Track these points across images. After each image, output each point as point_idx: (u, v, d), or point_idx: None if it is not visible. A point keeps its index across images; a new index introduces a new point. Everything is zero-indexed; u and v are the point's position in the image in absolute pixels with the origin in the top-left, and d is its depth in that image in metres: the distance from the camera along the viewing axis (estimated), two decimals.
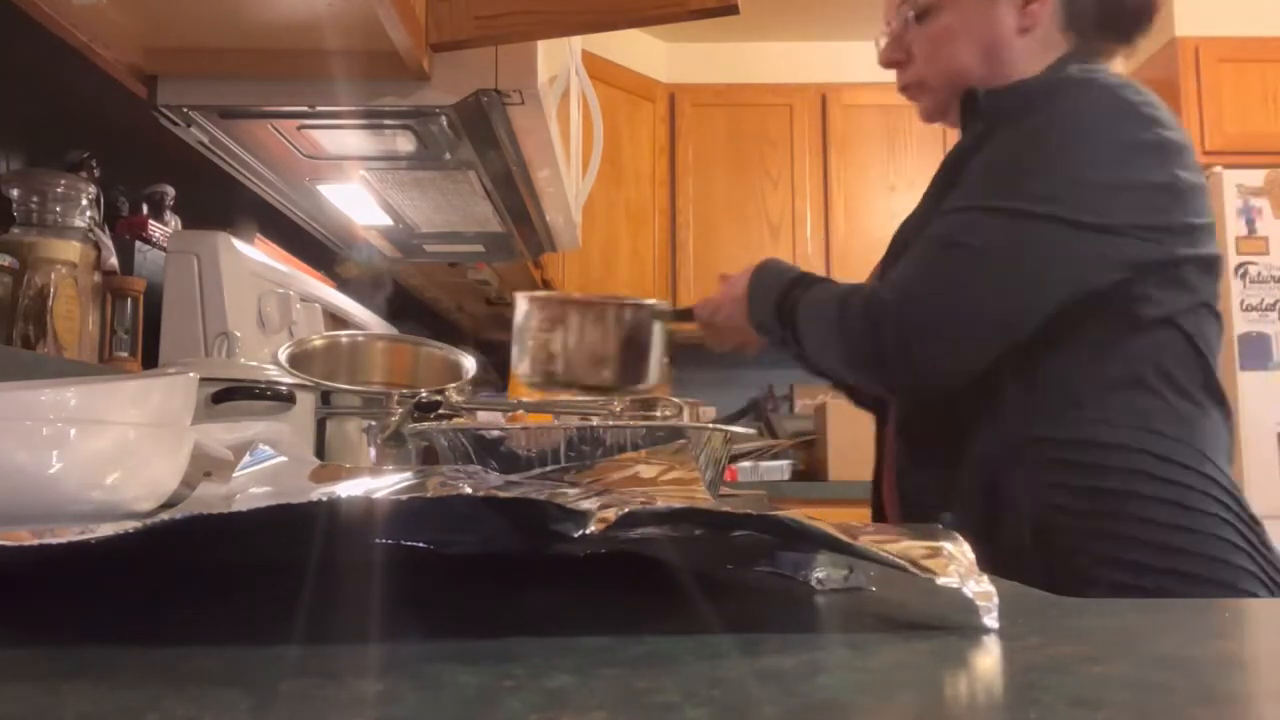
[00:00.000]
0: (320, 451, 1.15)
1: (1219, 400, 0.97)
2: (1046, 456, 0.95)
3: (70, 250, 1.19)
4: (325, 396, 1.15)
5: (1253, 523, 0.94)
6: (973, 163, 0.98)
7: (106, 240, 1.28)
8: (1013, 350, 0.95)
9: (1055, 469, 0.94)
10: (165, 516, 0.36)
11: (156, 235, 1.43)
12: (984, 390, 0.97)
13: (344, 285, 2.06)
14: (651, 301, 1.16)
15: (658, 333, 1.17)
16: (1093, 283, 0.93)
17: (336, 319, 1.81)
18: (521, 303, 1.10)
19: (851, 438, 2.90)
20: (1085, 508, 0.92)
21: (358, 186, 1.66)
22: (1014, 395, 0.96)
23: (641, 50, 3.57)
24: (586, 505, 0.38)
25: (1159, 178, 0.93)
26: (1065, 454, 0.94)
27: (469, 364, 1.29)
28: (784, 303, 1.07)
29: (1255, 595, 0.90)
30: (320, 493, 0.54)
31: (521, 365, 1.10)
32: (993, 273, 0.92)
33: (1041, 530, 0.93)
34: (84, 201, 1.21)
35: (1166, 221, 0.93)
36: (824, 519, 0.37)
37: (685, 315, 1.24)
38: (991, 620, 0.34)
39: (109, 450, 0.52)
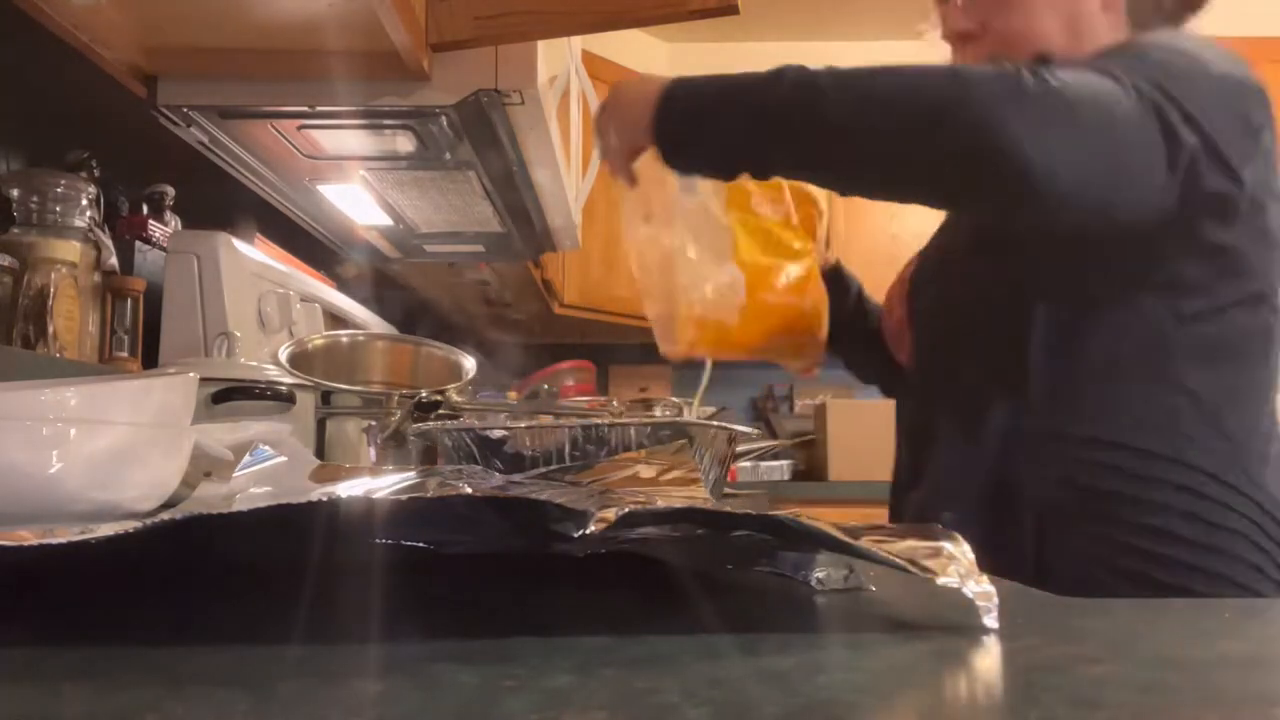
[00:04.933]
0: (320, 451, 1.15)
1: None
2: (1061, 451, 0.89)
3: (70, 250, 1.19)
4: (325, 396, 1.15)
5: None
6: None
7: (106, 240, 1.28)
8: (1047, 328, 0.89)
9: (1067, 465, 0.89)
10: (165, 516, 0.36)
11: (156, 235, 1.43)
12: (1010, 373, 0.92)
13: (344, 285, 2.06)
14: None
15: None
16: (1167, 199, 0.82)
17: (336, 319, 1.81)
18: None
19: (851, 438, 2.90)
20: (1093, 510, 0.88)
21: (358, 186, 1.66)
22: (1037, 385, 0.90)
23: (641, 50, 3.57)
24: (586, 505, 0.38)
25: (1257, 119, 0.86)
26: (1081, 452, 0.89)
27: (469, 364, 1.29)
28: (794, 73, 0.85)
29: None
30: (320, 493, 0.54)
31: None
32: (1127, 124, 0.79)
33: (1043, 528, 0.89)
34: (84, 201, 1.21)
35: (1252, 167, 0.85)
36: (824, 519, 0.37)
37: None
38: (991, 620, 0.34)
39: (109, 450, 0.52)
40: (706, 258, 1.09)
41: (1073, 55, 0.92)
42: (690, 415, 0.95)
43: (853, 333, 1.26)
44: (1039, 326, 0.91)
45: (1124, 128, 0.80)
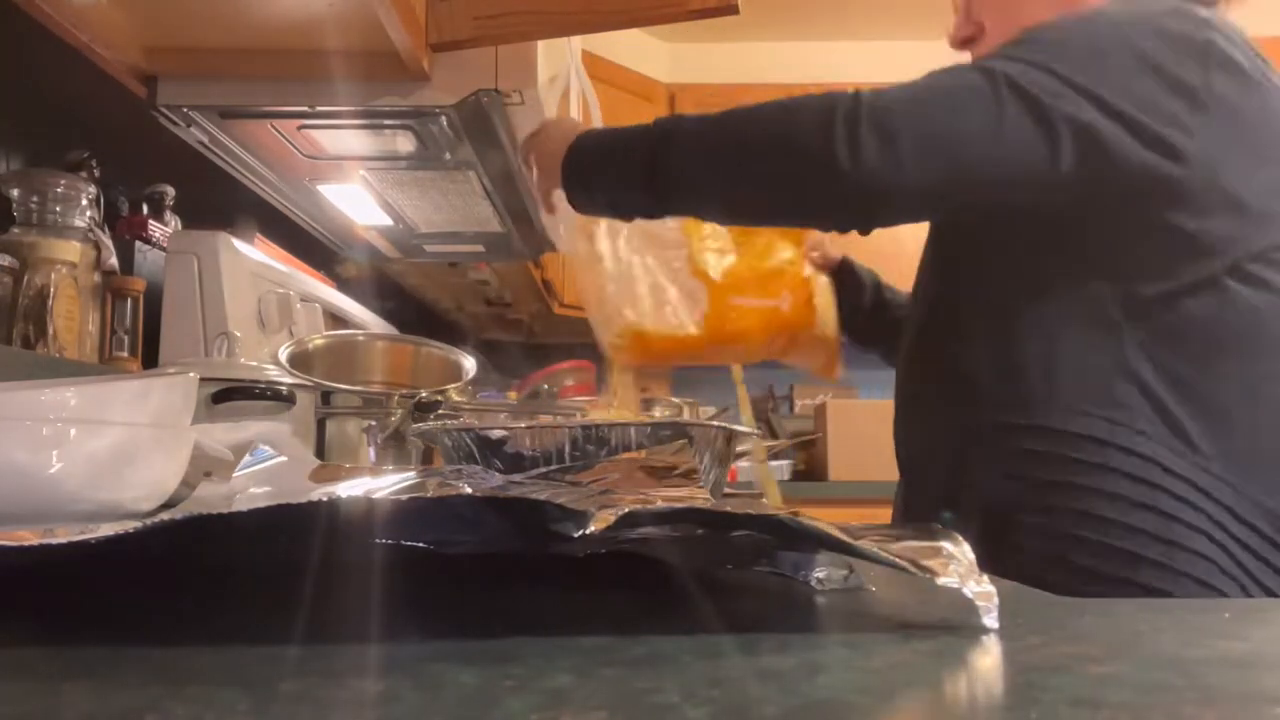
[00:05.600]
0: (320, 451, 1.15)
1: (1250, 396, 0.83)
2: (1010, 443, 0.88)
3: (70, 250, 1.19)
4: (325, 396, 1.15)
5: (1256, 542, 0.82)
6: None
7: (106, 240, 1.28)
8: (994, 319, 0.89)
9: (1016, 458, 0.87)
10: (165, 516, 0.36)
11: (156, 235, 1.43)
12: (961, 368, 0.92)
13: (344, 285, 2.06)
14: None
15: None
16: (1071, 181, 0.81)
17: (336, 319, 1.81)
18: None
19: (851, 438, 2.90)
20: (1041, 503, 0.85)
21: (358, 186, 1.66)
22: (988, 376, 0.90)
23: (641, 50, 3.57)
24: (586, 505, 0.38)
25: (1192, 79, 0.81)
26: (1029, 442, 0.86)
27: (469, 364, 1.29)
28: (660, 126, 0.93)
29: None
30: (320, 493, 0.54)
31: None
32: (974, 107, 0.81)
33: (991, 522, 0.86)
34: (84, 201, 1.21)
35: (1188, 142, 0.80)
36: (824, 519, 0.37)
37: None
38: (991, 620, 0.34)
39: (109, 450, 0.52)
40: (661, 272, 1.11)
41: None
42: (741, 422, 0.95)
43: (879, 325, 1.26)
44: (987, 318, 0.91)
45: (966, 119, 0.81)
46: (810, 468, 3.23)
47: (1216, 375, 0.84)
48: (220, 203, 1.65)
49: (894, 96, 0.83)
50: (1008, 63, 0.82)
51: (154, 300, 1.37)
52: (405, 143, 1.43)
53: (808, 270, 1.18)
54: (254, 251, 1.52)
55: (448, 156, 1.49)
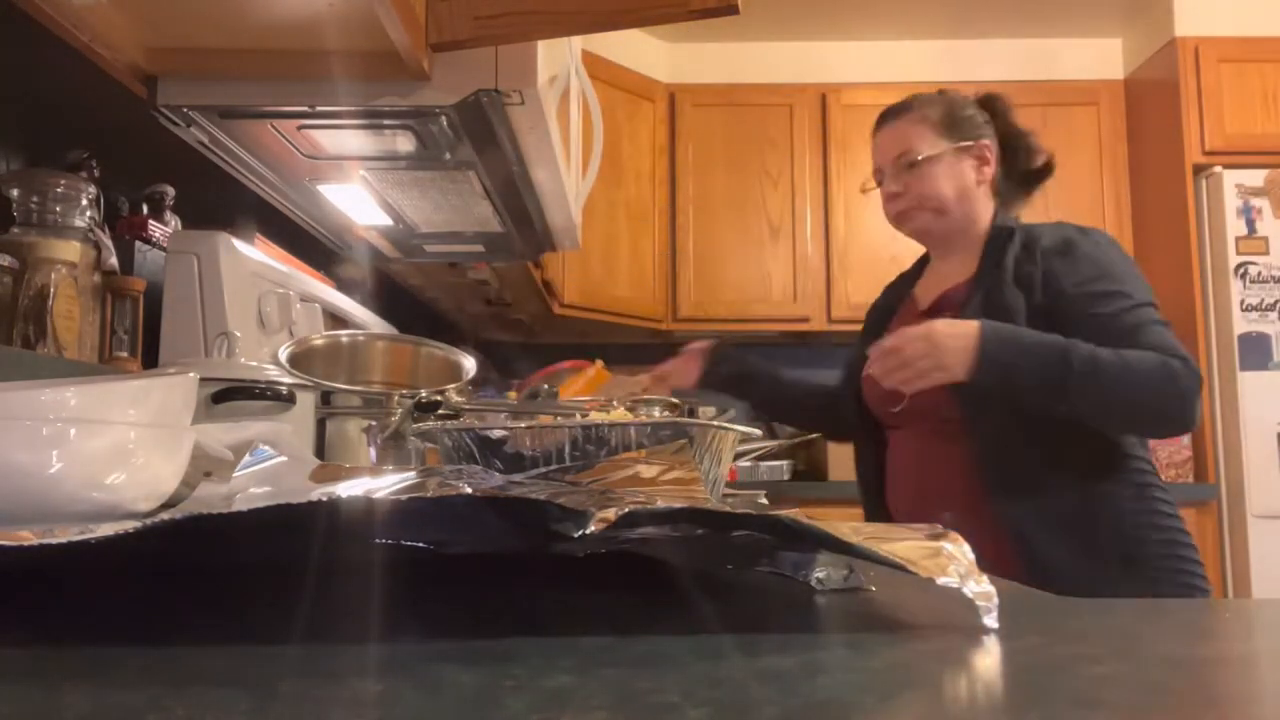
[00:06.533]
0: (320, 451, 1.15)
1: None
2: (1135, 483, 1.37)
3: (70, 250, 1.19)
4: (325, 396, 1.15)
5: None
6: (1049, 276, 1.37)
7: (106, 240, 1.28)
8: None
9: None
10: (165, 516, 0.36)
11: (156, 235, 1.43)
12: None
13: (344, 285, 2.06)
14: None
15: None
16: None
17: (336, 319, 1.81)
18: None
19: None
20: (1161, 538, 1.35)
21: (358, 186, 1.66)
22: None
23: (641, 50, 3.57)
24: (586, 505, 0.38)
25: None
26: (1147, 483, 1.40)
27: (469, 364, 1.29)
28: (1072, 354, 1.27)
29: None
30: (320, 493, 0.54)
31: None
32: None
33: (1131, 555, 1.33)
34: (84, 201, 1.21)
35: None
36: (824, 519, 0.37)
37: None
38: (991, 620, 0.34)
39: (109, 450, 0.52)
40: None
41: (964, 215, 1.49)
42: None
43: (795, 409, 1.80)
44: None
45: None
46: (810, 468, 3.23)
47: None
48: (220, 203, 1.65)
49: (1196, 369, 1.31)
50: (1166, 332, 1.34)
51: (154, 300, 1.37)
52: (405, 143, 1.43)
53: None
54: (254, 251, 1.52)
55: (448, 156, 1.49)
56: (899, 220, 1.55)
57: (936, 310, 1.49)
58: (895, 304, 1.65)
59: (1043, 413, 1.31)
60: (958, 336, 1.27)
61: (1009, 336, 1.29)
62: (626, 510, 0.37)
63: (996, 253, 1.45)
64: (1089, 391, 1.25)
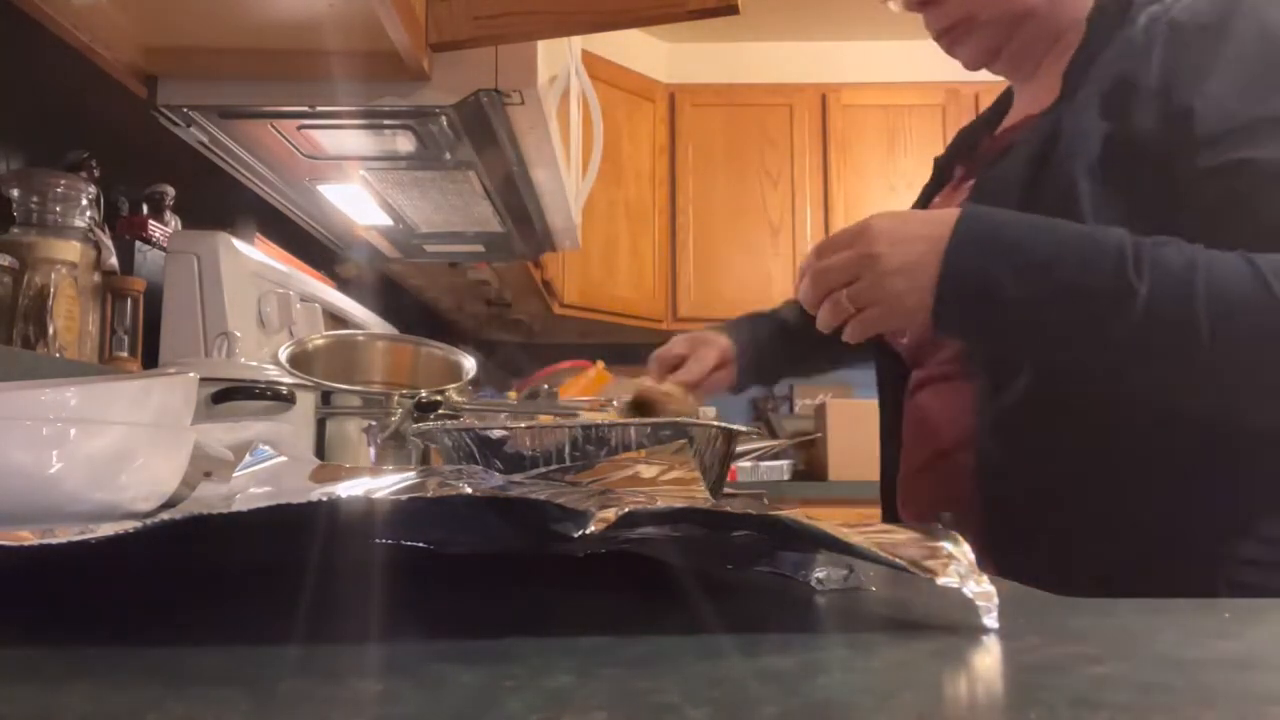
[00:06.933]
0: (320, 451, 1.15)
1: None
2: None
3: (70, 250, 1.19)
4: (325, 396, 1.15)
5: None
6: (1170, 75, 0.75)
7: (106, 240, 1.28)
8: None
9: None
10: (165, 516, 0.36)
11: (156, 235, 1.43)
12: None
13: (344, 285, 2.06)
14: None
15: None
16: None
17: (336, 319, 1.81)
18: None
19: (851, 438, 2.90)
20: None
21: (358, 186, 1.66)
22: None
23: (641, 50, 3.57)
24: (586, 505, 0.38)
25: None
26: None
27: (469, 364, 1.29)
28: (1154, 264, 0.68)
29: None
30: (320, 493, 0.54)
31: None
32: None
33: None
34: (84, 201, 1.21)
35: None
36: (824, 519, 0.37)
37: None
38: (991, 620, 0.34)
39: (109, 450, 0.52)
40: None
41: (1056, 10, 0.88)
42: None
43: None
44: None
45: None
46: (810, 468, 3.23)
47: None
48: (220, 203, 1.65)
49: None
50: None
51: (154, 300, 1.37)
52: (405, 143, 1.43)
53: None
54: (254, 251, 1.52)
55: (448, 156, 1.49)
56: (946, 41, 0.94)
57: (990, 165, 0.90)
58: (965, 149, 1.04)
59: (1103, 380, 0.75)
60: (913, 240, 0.72)
61: (1019, 232, 0.71)
62: (626, 510, 0.37)
63: (1096, 44, 0.83)
64: (1186, 341, 0.67)
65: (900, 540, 0.37)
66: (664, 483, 0.58)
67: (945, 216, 0.73)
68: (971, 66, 0.96)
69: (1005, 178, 0.84)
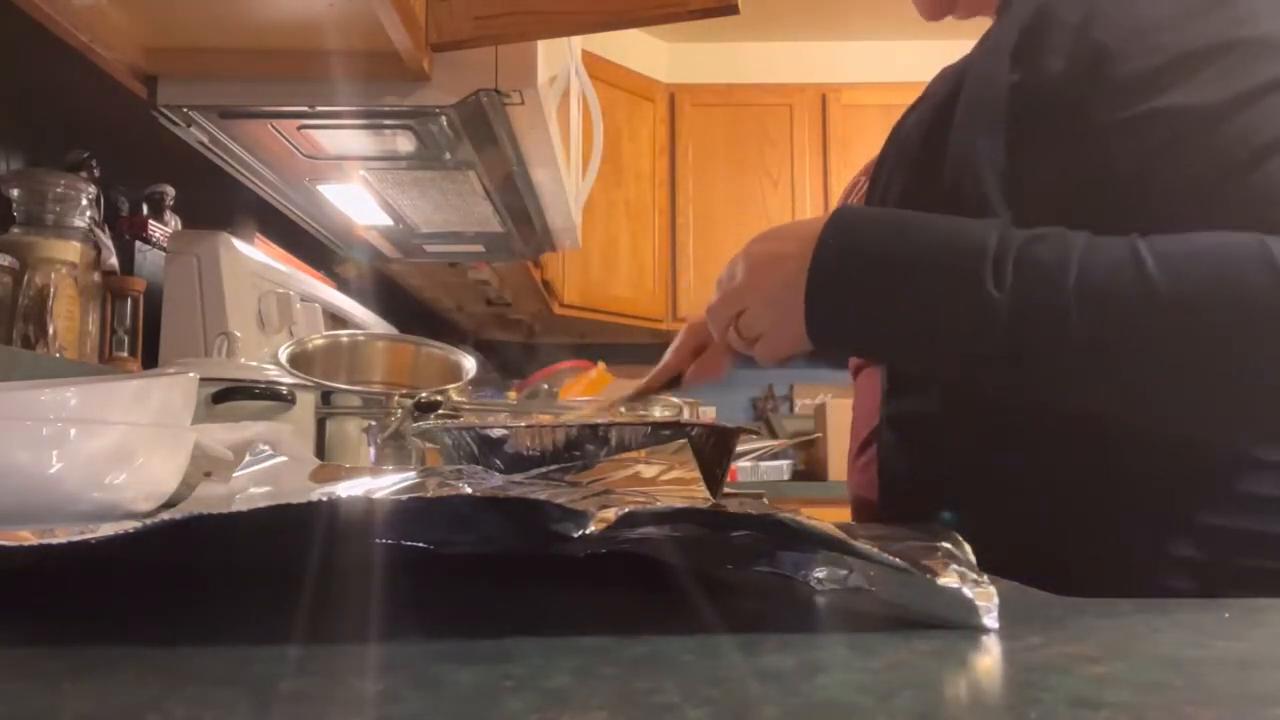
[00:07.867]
0: (320, 451, 1.15)
1: None
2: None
3: (70, 250, 1.19)
4: (325, 396, 1.15)
5: None
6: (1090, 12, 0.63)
7: (106, 240, 1.28)
8: None
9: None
10: (165, 516, 0.36)
11: (156, 235, 1.43)
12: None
13: (344, 285, 2.06)
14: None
15: None
16: None
17: (336, 319, 1.81)
18: None
19: None
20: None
21: (358, 186, 1.66)
22: None
23: (641, 50, 3.57)
24: (586, 505, 0.38)
25: None
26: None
27: (469, 364, 1.29)
28: (1034, 256, 0.58)
29: None
30: (320, 493, 0.54)
31: None
32: None
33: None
34: (84, 201, 1.21)
35: None
36: (824, 519, 0.37)
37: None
38: (991, 620, 0.34)
39: (109, 450, 0.52)
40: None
41: None
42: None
43: None
44: None
45: None
46: (810, 468, 3.23)
47: None
48: (220, 203, 1.65)
49: None
50: None
51: (154, 300, 1.37)
52: (405, 143, 1.43)
53: None
54: (254, 251, 1.52)
55: (448, 156, 1.49)
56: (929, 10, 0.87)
57: (898, 125, 0.83)
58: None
59: (995, 394, 0.66)
60: (784, 261, 0.66)
61: (879, 242, 0.63)
62: (626, 510, 0.37)
63: None
64: (1060, 347, 0.58)
65: (900, 540, 0.37)
66: (664, 483, 0.58)
67: (812, 230, 0.65)
68: (930, 16, 0.89)
69: (907, 138, 0.77)
